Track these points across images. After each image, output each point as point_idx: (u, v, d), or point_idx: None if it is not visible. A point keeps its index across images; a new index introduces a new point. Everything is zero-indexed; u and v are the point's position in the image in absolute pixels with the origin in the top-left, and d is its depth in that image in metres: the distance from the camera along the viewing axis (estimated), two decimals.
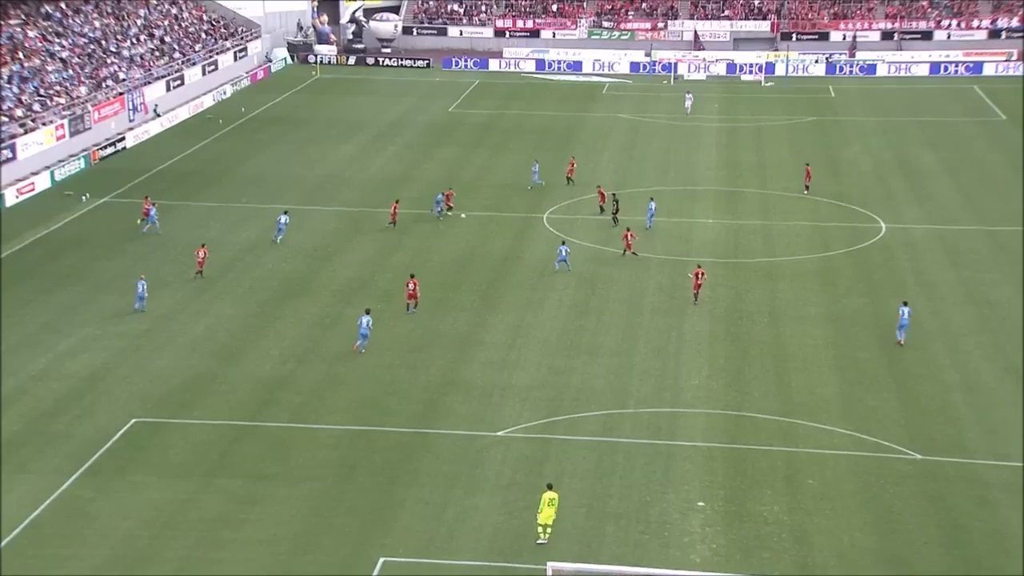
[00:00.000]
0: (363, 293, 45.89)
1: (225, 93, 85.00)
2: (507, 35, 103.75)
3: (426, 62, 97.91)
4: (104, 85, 73.39)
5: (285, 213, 52.85)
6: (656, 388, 37.27)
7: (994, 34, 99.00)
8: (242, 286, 46.71)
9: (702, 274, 44.45)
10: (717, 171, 64.58)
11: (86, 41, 77.12)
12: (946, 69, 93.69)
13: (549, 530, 28.26)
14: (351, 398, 36.67)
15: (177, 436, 34.23)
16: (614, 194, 54.58)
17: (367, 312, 40.11)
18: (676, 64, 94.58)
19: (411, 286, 43.38)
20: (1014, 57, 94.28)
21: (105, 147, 68.32)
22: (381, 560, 27.73)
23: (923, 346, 40.42)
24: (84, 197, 59.35)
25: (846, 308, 43.96)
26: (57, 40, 74.75)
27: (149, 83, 77.33)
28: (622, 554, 27.83)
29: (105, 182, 62.07)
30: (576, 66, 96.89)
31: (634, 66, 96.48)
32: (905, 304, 40.64)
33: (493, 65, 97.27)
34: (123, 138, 70.38)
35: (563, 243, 48.26)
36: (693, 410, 35.76)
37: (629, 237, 49.26)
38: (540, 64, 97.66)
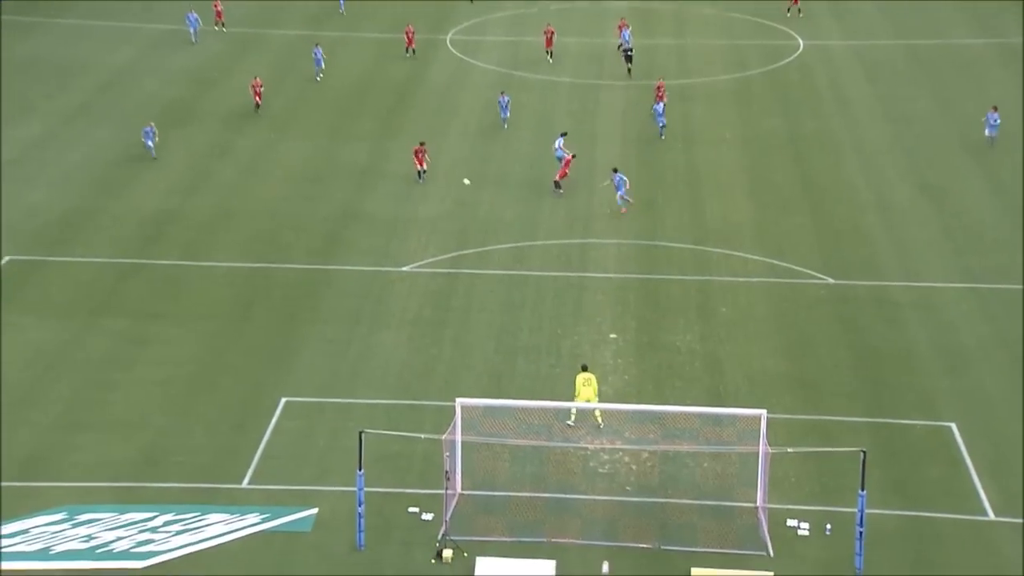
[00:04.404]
0: (254, 120, 44.09)
1: None
2: None
3: None
4: None
5: (317, 46, 48.51)
6: (567, 219, 36.40)
7: None
8: (120, 112, 44.25)
9: (570, 162, 37.97)
10: None
11: None
12: None
13: (598, 412, 25.40)
14: (245, 232, 35.26)
15: (56, 274, 32.63)
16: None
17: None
18: None
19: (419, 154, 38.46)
20: None
21: None
22: (283, 400, 26.75)
23: (838, 166, 40.23)
24: None
25: (761, 130, 43.37)
26: None
27: None
28: (532, 387, 27.23)
29: None
30: None
31: None
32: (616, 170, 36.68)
33: None
34: None
35: (615, 170, 37.21)
36: (604, 240, 35.04)
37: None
38: None
